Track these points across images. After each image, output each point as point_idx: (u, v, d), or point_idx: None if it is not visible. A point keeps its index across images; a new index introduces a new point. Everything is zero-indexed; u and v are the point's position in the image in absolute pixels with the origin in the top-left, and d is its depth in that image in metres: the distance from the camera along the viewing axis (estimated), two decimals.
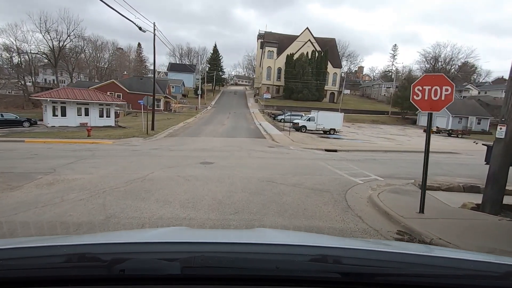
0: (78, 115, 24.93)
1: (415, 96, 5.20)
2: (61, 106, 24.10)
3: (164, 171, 8.84)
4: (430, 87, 5.05)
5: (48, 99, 23.25)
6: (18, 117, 24.33)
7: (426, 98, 5.09)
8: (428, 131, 5.20)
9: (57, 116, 24.06)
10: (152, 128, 22.03)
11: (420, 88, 5.14)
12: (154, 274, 0.89)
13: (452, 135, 38.02)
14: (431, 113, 5.18)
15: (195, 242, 1.18)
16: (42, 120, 26.13)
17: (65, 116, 24.29)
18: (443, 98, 4.96)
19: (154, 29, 20.75)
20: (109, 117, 26.89)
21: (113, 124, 26.65)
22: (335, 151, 17.00)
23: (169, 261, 0.92)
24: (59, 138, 17.24)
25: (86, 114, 25.35)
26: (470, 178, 9.47)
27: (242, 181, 7.80)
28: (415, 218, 4.98)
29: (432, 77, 5.10)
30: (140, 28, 17.96)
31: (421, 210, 5.25)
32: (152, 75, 25.44)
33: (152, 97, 22.16)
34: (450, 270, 0.99)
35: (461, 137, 36.11)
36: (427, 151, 5.16)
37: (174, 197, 5.99)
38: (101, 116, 26.30)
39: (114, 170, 8.85)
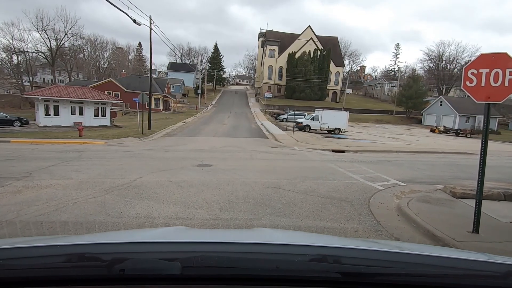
0: (72, 114, 23.70)
1: (467, 82, 4.02)
2: (53, 105, 22.91)
3: (155, 175, 7.73)
4: (488, 70, 3.88)
5: (40, 97, 22.07)
6: (8, 116, 23.12)
7: (483, 84, 3.91)
8: (486, 128, 4.02)
9: (49, 115, 22.84)
10: (149, 128, 20.95)
11: (475, 72, 3.96)
12: (154, 274, 0.87)
13: (460, 135, 36.61)
14: (489, 105, 4.01)
15: (195, 242, 1.14)
16: (35, 119, 25.04)
17: (58, 115, 23.08)
18: (506, 83, 3.79)
19: (150, 23, 19.61)
20: (105, 116, 25.69)
21: (108, 124, 25.49)
22: (343, 151, 15.85)
23: (169, 261, 0.89)
24: (48, 138, 16.17)
25: (80, 113, 24.12)
26: (501, 183, 8.49)
27: (244, 188, 6.66)
28: (472, 242, 3.80)
29: (491, 57, 3.91)
30: (134, 21, 16.84)
31: (476, 229, 4.08)
32: (152, 74, 24.26)
33: (148, 95, 21.02)
34: (450, 270, 0.95)
35: (470, 137, 34.74)
36: (483, 155, 3.98)
37: (159, 211, 4.83)
38: (96, 115, 25.07)
39: (97, 174, 7.76)
